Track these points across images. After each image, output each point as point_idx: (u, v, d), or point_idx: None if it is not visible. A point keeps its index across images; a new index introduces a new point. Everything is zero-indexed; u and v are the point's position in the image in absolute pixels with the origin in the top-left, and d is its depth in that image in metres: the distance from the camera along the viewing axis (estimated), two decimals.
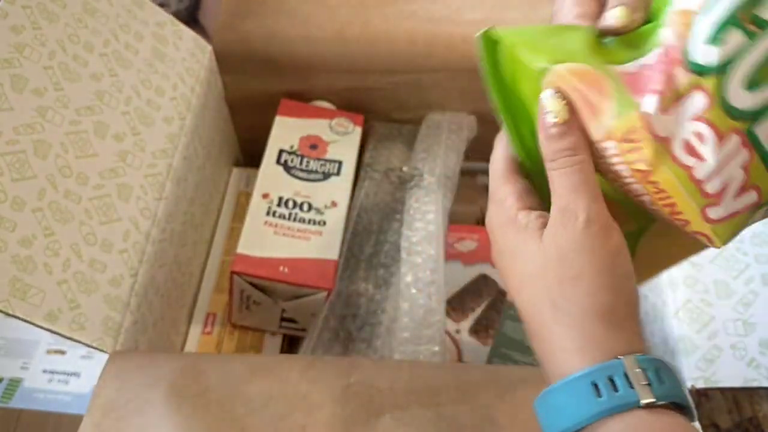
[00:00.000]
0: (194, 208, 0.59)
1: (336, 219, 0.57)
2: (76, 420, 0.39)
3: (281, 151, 0.60)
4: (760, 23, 0.23)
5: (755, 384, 0.42)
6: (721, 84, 0.23)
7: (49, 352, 0.59)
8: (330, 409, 0.39)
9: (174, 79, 0.56)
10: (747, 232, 0.50)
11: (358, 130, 0.63)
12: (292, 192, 0.58)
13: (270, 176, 0.59)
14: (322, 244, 0.55)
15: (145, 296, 0.48)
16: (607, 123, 0.25)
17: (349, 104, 0.65)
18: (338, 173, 0.60)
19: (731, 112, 0.24)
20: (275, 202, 0.57)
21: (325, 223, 0.56)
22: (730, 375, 0.43)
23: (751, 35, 0.23)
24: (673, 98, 0.24)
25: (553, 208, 0.27)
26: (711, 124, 0.24)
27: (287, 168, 0.59)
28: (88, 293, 0.43)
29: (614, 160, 0.26)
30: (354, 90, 0.64)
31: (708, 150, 0.24)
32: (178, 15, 0.80)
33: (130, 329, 0.46)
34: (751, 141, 0.24)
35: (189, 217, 0.58)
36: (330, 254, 0.55)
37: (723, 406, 0.42)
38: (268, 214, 0.56)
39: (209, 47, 0.62)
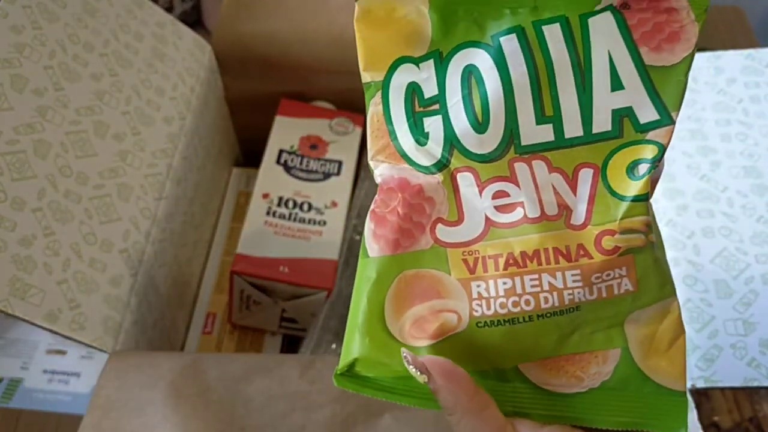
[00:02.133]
0: (194, 208, 0.59)
1: (336, 219, 0.57)
2: (76, 420, 0.39)
3: (281, 151, 0.60)
4: (425, 103, 0.25)
5: (755, 384, 0.42)
6: (459, 156, 0.25)
7: (49, 352, 0.59)
8: (330, 408, 0.39)
9: (174, 79, 0.56)
10: (747, 232, 0.50)
11: (358, 130, 0.63)
12: (292, 192, 0.58)
13: (270, 176, 0.59)
14: (322, 244, 0.55)
15: (145, 296, 0.48)
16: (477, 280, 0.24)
17: (349, 104, 0.65)
18: (338, 173, 0.60)
19: (479, 158, 0.25)
20: (275, 202, 0.57)
21: (325, 223, 0.56)
22: (730, 375, 0.43)
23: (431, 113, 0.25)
24: (452, 200, 0.25)
25: None
26: (501, 179, 0.25)
27: (287, 168, 0.59)
28: (88, 293, 0.43)
29: (531, 281, 0.24)
30: (354, 90, 0.64)
31: (514, 191, 0.25)
32: (183, 17, 0.81)
33: (130, 329, 0.46)
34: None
35: (189, 217, 0.58)
36: (330, 254, 0.55)
37: (723, 406, 0.42)
38: (268, 214, 0.56)
39: (209, 47, 0.62)
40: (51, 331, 0.40)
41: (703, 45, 0.87)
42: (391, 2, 0.25)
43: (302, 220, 0.56)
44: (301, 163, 0.60)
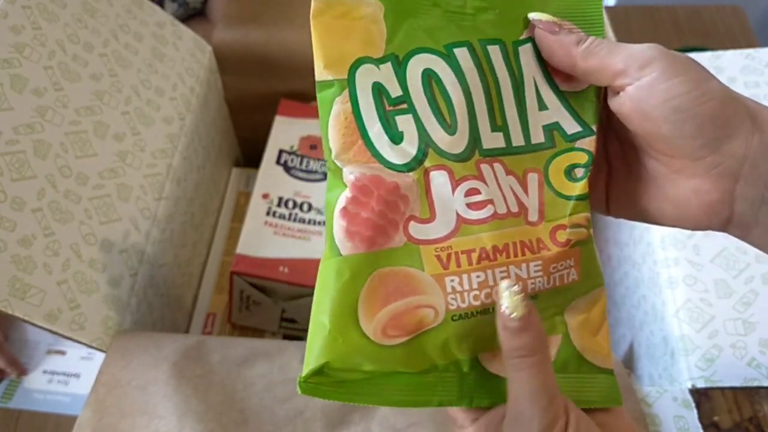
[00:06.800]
0: (194, 208, 0.59)
1: None
2: (75, 421, 0.39)
3: (281, 151, 0.60)
4: (394, 102, 0.25)
5: (755, 384, 0.42)
6: (433, 155, 0.25)
7: (49, 352, 0.59)
8: None
9: (174, 79, 0.56)
10: None
11: None
12: (292, 192, 0.58)
13: (270, 176, 0.59)
14: (323, 244, 0.55)
15: (145, 296, 0.48)
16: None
17: None
18: None
19: (453, 157, 0.26)
20: (275, 202, 0.57)
21: (325, 223, 0.56)
22: (730, 375, 0.43)
23: (403, 112, 0.25)
24: (423, 198, 0.25)
25: (508, 412, 0.24)
26: (472, 178, 0.26)
27: (287, 168, 0.59)
28: (88, 293, 0.43)
29: (501, 272, 0.25)
30: None
31: (484, 189, 0.26)
32: (195, 10, 0.81)
33: (130, 329, 0.46)
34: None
35: (189, 217, 0.58)
36: None
37: (723, 406, 0.42)
38: (267, 214, 0.56)
39: (209, 47, 0.62)
40: (51, 331, 0.40)
41: (703, 45, 0.87)
42: (347, 4, 0.25)
43: (302, 220, 0.56)
44: (301, 164, 0.60)
